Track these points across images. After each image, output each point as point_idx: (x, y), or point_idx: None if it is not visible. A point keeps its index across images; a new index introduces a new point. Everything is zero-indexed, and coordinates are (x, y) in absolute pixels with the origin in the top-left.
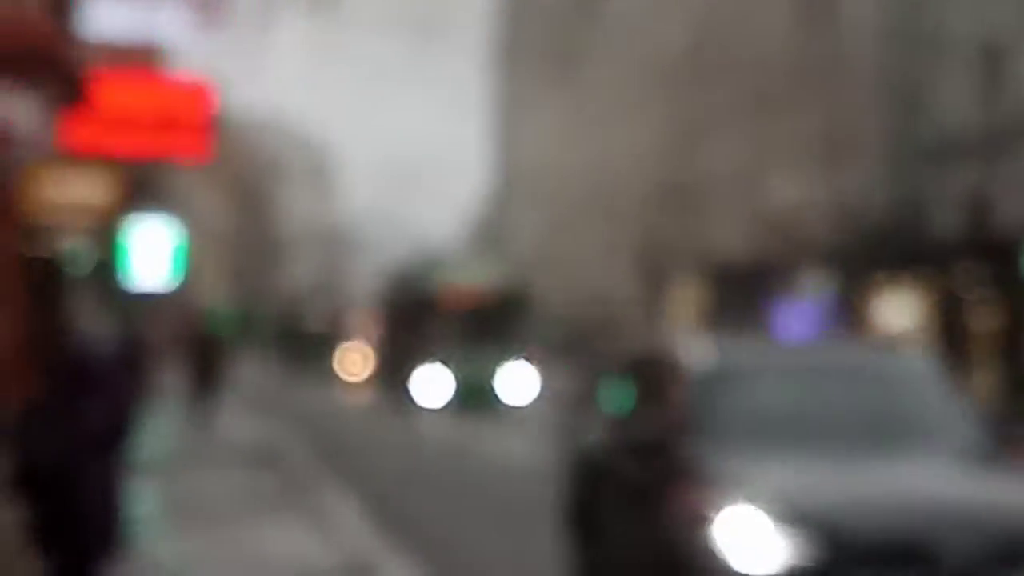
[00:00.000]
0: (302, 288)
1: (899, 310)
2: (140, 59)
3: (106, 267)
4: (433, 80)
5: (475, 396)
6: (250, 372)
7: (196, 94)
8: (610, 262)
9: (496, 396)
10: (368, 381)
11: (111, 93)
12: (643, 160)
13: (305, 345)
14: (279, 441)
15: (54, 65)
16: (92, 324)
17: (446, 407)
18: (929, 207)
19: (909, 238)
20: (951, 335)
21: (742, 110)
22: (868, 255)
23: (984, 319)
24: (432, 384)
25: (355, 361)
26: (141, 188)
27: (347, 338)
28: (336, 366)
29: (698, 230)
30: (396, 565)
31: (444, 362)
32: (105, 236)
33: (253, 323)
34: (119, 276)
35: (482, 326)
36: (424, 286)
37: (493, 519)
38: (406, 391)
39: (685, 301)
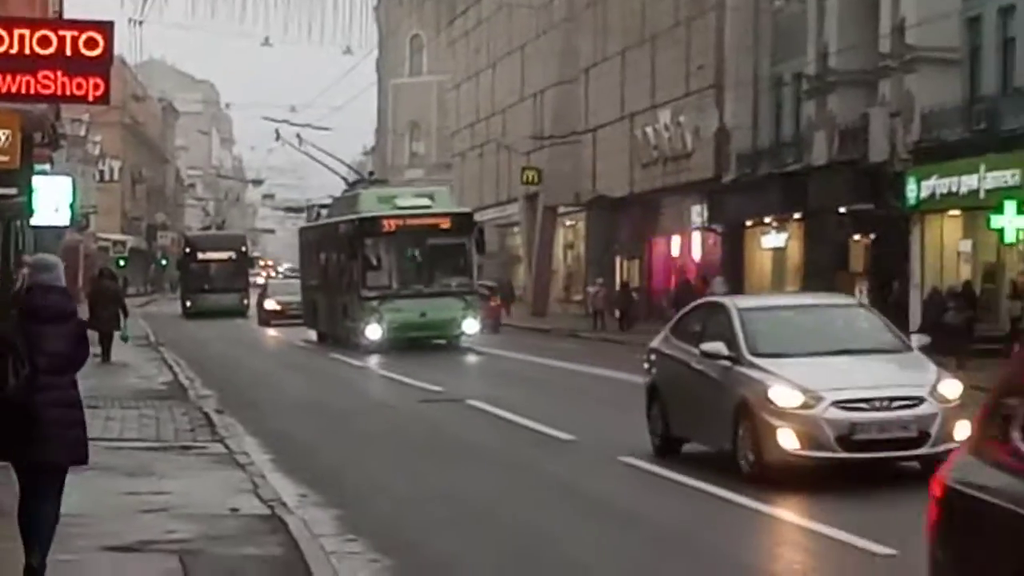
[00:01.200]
0: (203, 223)
1: (778, 241)
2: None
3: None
4: (325, 24)
5: (421, 329)
6: (154, 308)
7: (92, 34)
8: (500, 196)
9: (445, 328)
10: (289, 314)
11: (6, 35)
12: (530, 97)
13: (212, 279)
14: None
15: None
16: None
17: (388, 341)
18: (808, 139)
19: (788, 171)
20: (827, 269)
21: (623, 47)
22: (748, 188)
23: (861, 250)
24: (370, 317)
25: (273, 293)
26: (39, 128)
27: (257, 271)
28: (246, 300)
29: (585, 164)
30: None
31: (386, 295)
32: (7, 177)
33: (154, 259)
34: (25, 215)
35: (429, 254)
36: (363, 214)
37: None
38: (340, 325)
39: (572, 233)
